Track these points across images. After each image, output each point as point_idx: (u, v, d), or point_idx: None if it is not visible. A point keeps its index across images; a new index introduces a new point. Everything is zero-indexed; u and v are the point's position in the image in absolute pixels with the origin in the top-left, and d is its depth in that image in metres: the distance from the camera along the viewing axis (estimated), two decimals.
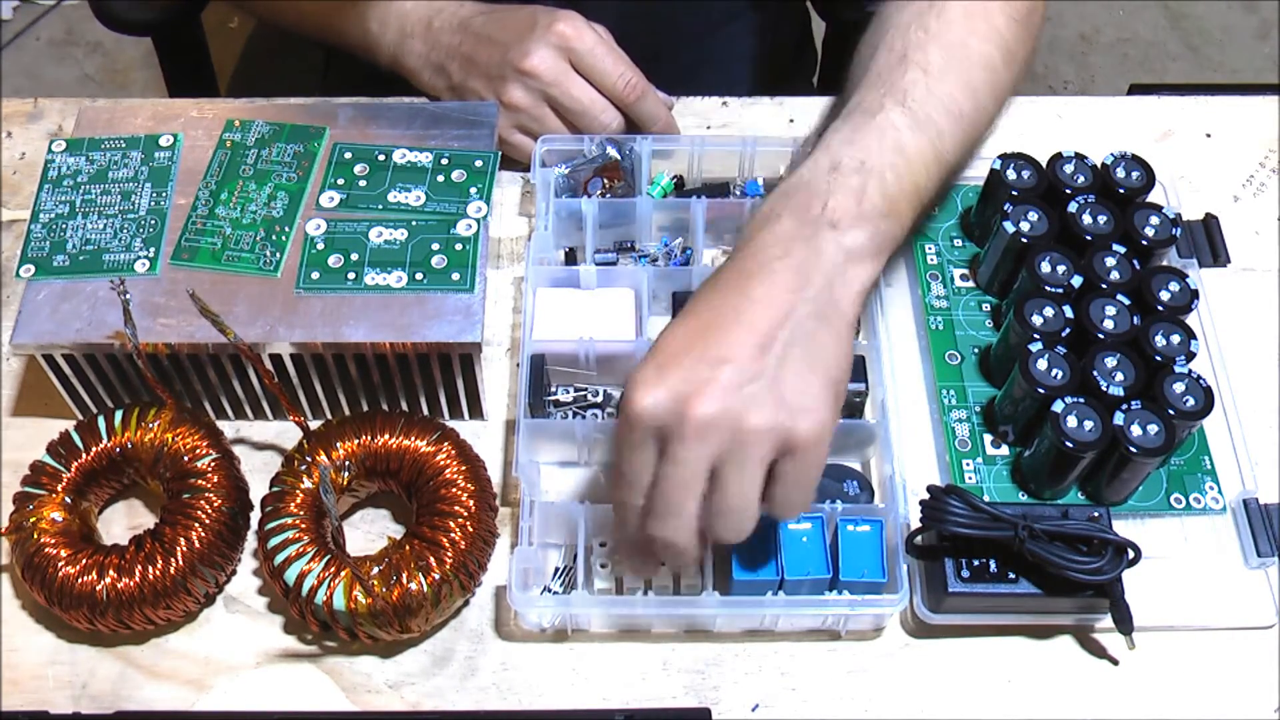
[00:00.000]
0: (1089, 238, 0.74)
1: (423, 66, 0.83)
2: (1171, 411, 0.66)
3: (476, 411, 0.74)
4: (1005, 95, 0.69)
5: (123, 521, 0.71)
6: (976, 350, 0.76)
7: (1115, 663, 0.67)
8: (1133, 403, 0.66)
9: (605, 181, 0.79)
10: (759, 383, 0.55)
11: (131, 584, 0.64)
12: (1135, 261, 0.73)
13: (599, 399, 0.73)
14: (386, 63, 0.85)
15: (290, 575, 0.64)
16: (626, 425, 0.56)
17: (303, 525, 0.65)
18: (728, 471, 0.56)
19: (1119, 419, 0.66)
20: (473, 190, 0.73)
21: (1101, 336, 0.70)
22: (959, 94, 0.65)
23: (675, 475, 0.56)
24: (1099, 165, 0.78)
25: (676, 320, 0.59)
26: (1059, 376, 0.68)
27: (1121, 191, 0.76)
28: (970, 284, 0.78)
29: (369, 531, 0.71)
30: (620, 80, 0.79)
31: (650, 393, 0.55)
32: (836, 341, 0.58)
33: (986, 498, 0.69)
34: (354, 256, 0.70)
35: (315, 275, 0.69)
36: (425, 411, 0.73)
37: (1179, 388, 0.68)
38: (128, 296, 0.64)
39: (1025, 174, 0.77)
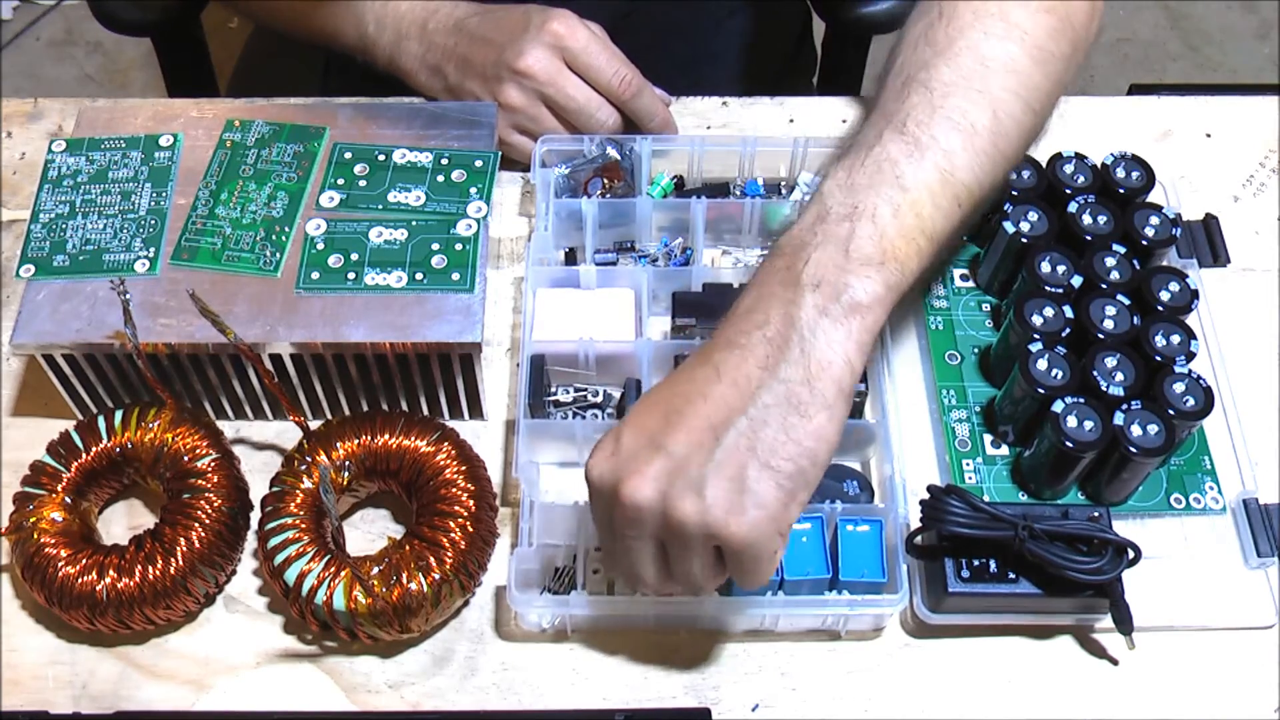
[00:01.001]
0: (1089, 238, 0.74)
1: (419, 68, 0.83)
2: (1171, 411, 0.66)
3: (476, 411, 0.74)
4: (1044, 95, 0.64)
5: (123, 521, 0.71)
6: (976, 350, 0.76)
7: (1115, 663, 0.67)
8: (1133, 403, 0.66)
9: (605, 181, 0.79)
10: (690, 476, 0.54)
11: (131, 584, 0.64)
12: (1135, 261, 0.73)
13: (599, 399, 0.73)
14: (383, 64, 0.85)
15: (290, 575, 0.64)
16: (590, 485, 0.57)
17: (303, 525, 0.65)
18: (671, 551, 0.56)
19: (1119, 419, 0.66)
20: (473, 190, 0.73)
21: (1101, 336, 0.70)
22: (970, 107, 0.60)
23: (621, 548, 0.57)
24: (1099, 165, 0.78)
25: (656, 386, 0.58)
26: (1059, 376, 0.68)
27: (1121, 191, 0.76)
28: (970, 284, 0.78)
29: (369, 531, 0.71)
30: (616, 78, 0.79)
31: (598, 465, 0.56)
32: (806, 425, 0.54)
33: (986, 498, 0.69)
34: (354, 256, 0.70)
35: (315, 275, 0.69)
36: (425, 411, 0.73)
37: (1179, 388, 0.68)
38: (128, 296, 0.64)
39: (1025, 174, 0.77)
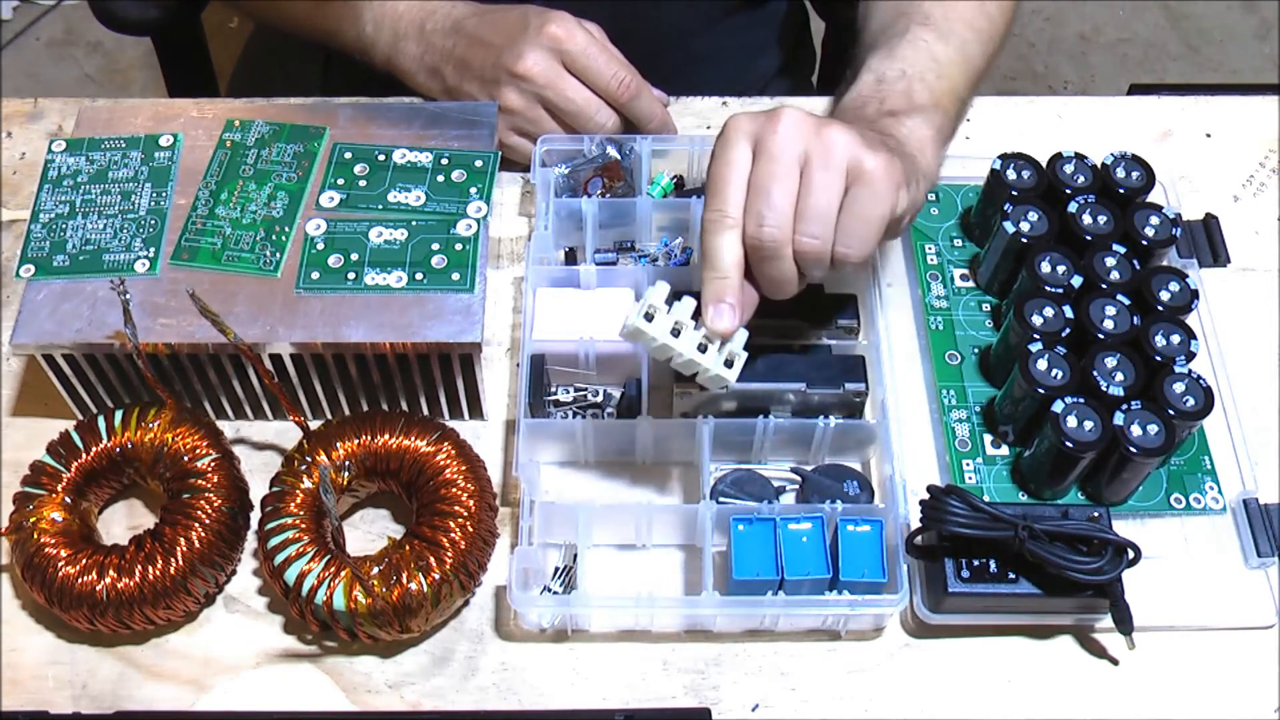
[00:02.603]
0: (1089, 238, 0.74)
1: (418, 69, 0.83)
2: (1171, 411, 0.66)
3: (476, 411, 0.74)
4: (1010, 17, 0.81)
5: (123, 521, 0.71)
6: (976, 350, 0.76)
7: (1115, 663, 0.67)
8: (1133, 403, 0.66)
9: (605, 181, 0.79)
10: (847, 126, 0.63)
11: (131, 584, 0.64)
12: (1135, 261, 0.73)
13: (599, 399, 0.73)
14: (381, 64, 0.85)
15: (290, 575, 0.64)
16: (723, 138, 0.63)
17: (303, 525, 0.65)
18: (813, 173, 0.62)
19: (1119, 419, 0.66)
20: (473, 190, 0.73)
21: (1101, 336, 0.70)
22: (971, 11, 0.77)
23: (768, 169, 0.62)
24: (1099, 165, 0.78)
25: None
26: (1059, 376, 0.68)
27: (1121, 191, 0.76)
28: (970, 284, 0.78)
29: (369, 531, 0.71)
30: (614, 80, 0.79)
31: (746, 116, 0.64)
32: (913, 169, 0.66)
33: (986, 498, 0.69)
34: (354, 256, 0.70)
35: (315, 275, 0.69)
36: (425, 411, 0.73)
37: (1179, 388, 0.68)
38: (128, 296, 0.64)
39: (1025, 174, 0.77)
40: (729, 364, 0.64)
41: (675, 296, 0.64)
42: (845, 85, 0.74)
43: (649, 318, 0.63)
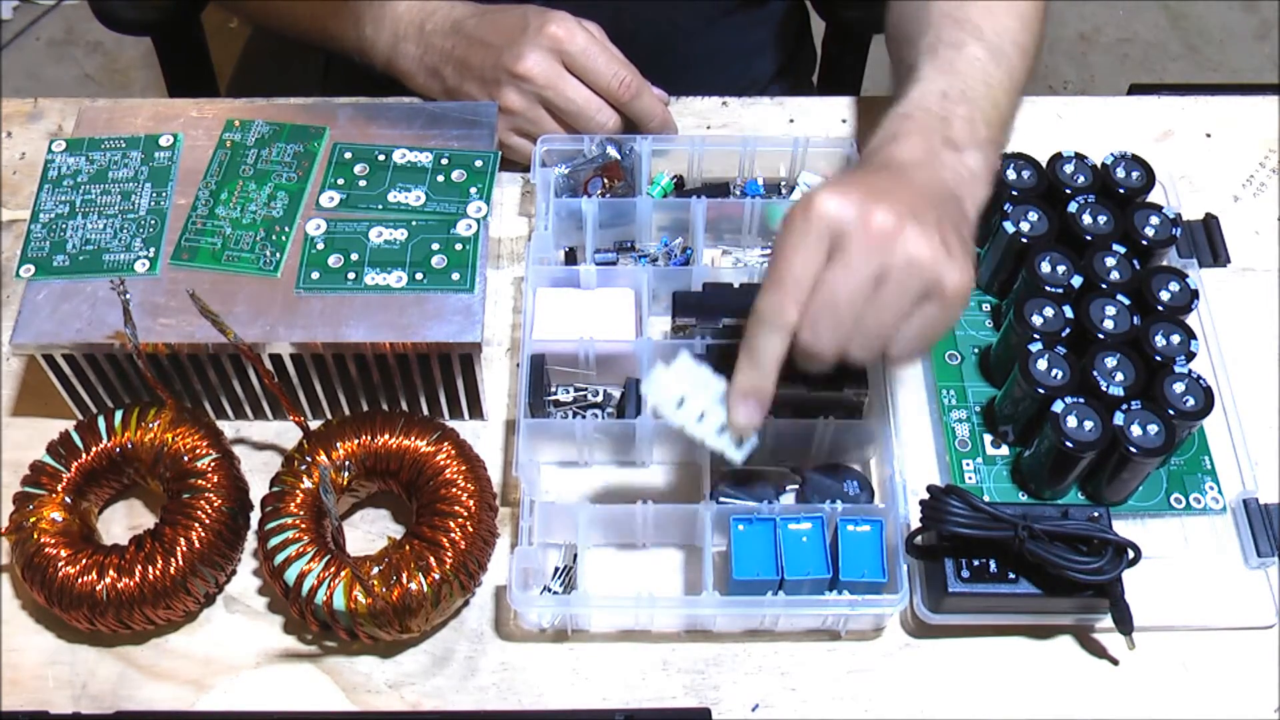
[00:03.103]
0: (1089, 238, 0.74)
1: (417, 70, 0.83)
2: (1171, 411, 0.66)
3: (476, 411, 0.74)
4: (1043, 30, 0.76)
5: (123, 521, 0.71)
6: (976, 350, 0.76)
7: (1115, 663, 0.67)
8: (1133, 403, 0.66)
9: (605, 181, 0.79)
10: (929, 225, 0.59)
11: (131, 584, 0.64)
12: (1135, 261, 0.73)
13: (599, 399, 0.73)
14: (381, 65, 0.85)
15: (290, 575, 0.64)
16: (804, 223, 0.58)
17: (303, 525, 0.65)
18: (888, 291, 0.58)
19: (1119, 419, 0.66)
20: (473, 190, 0.73)
21: (1101, 336, 0.70)
22: (1016, 27, 0.72)
23: (845, 280, 0.58)
24: (1099, 165, 0.78)
25: (840, 178, 0.63)
26: (1059, 376, 0.68)
27: (1121, 191, 0.76)
28: None
29: (369, 531, 0.71)
30: (614, 80, 0.79)
31: (837, 196, 0.59)
32: (970, 238, 0.63)
33: (986, 498, 0.69)
34: (354, 256, 0.70)
35: (315, 275, 0.69)
36: (425, 411, 0.73)
37: (1179, 388, 0.68)
38: (128, 296, 0.64)
39: (1025, 174, 0.77)
40: (739, 443, 0.63)
41: (698, 357, 0.64)
42: (898, 83, 0.72)
43: (679, 404, 0.62)
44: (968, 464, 0.71)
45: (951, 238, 0.60)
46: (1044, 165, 0.77)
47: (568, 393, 0.73)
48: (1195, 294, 0.71)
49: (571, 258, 0.78)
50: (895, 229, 0.58)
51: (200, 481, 0.67)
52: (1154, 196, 0.77)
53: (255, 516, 0.68)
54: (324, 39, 0.88)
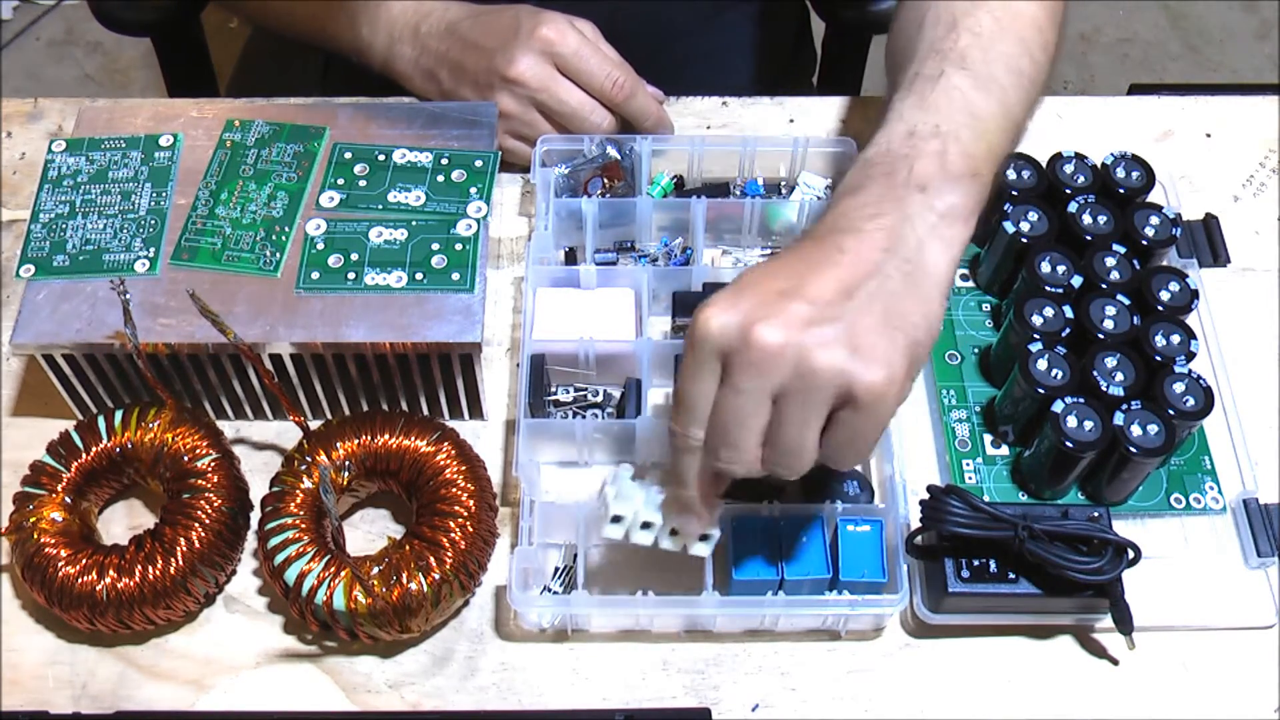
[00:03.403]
0: (1089, 238, 0.74)
1: (413, 72, 0.83)
2: (1171, 411, 0.66)
3: (476, 411, 0.74)
4: (1054, 53, 0.70)
5: (123, 521, 0.71)
6: (976, 350, 0.76)
7: (1115, 663, 0.67)
8: (1133, 403, 0.66)
9: (605, 181, 0.79)
10: (832, 325, 0.54)
11: (131, 584, 0.64)
12: (1135, 261, 0.73)
13: (599, 399, 0.73)
14: (378, 67, 0.84)
15: (290, 575, 0.64)
16: (691, 347, 0.55)
17: (303, 525, 0.65)
18: (788, 407, 0.54)
19: (1119, 419, 0.66)
20: (473, 190, 0.73)
21: (1101, 336, 0.70)
22: (1015, 52, 0.67)
23: (734, 404, 0.54)
24: (1099, 165, 0.78)
25: (768, 262, 0.58)
26: (1059, 376, 0.68)
27: (1121, 191, 0.76)
28: (970, 284, 0.78)
29: (369, 531, 0.71)
30: (608, 80, 0.79)
31: (720, 315, 0.54)
32: (923, 305, 0.57)
33: (986, 498, 0.69)
34: (354, 256, 0.70)
35: (315, 275, 0.69)
36: (425, 411, 0.73)
37: (1179, 388, 0.68)
38: (128, 296, 0.64)
39: (1025, 174, 0.77)
40: (704, 538, 0.62)
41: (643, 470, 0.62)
42: (878, 121, 0.66)
43: (616, 520, 0.60)
44: (968, 464, 0.71)
45: (868, 332, 0.54)
46: (1044, 165, 0.77)
47: (568, 393, 0.73)
48: (1195, 294, 0.72)
49: (571, 258, 0.78)
50: (782, 345, 0.53)
51: (200, 481, 0.67)
52: (1154, 196, 0.77)
53: (255, 516, 0.68)
54: (322, 39, 0.88)
